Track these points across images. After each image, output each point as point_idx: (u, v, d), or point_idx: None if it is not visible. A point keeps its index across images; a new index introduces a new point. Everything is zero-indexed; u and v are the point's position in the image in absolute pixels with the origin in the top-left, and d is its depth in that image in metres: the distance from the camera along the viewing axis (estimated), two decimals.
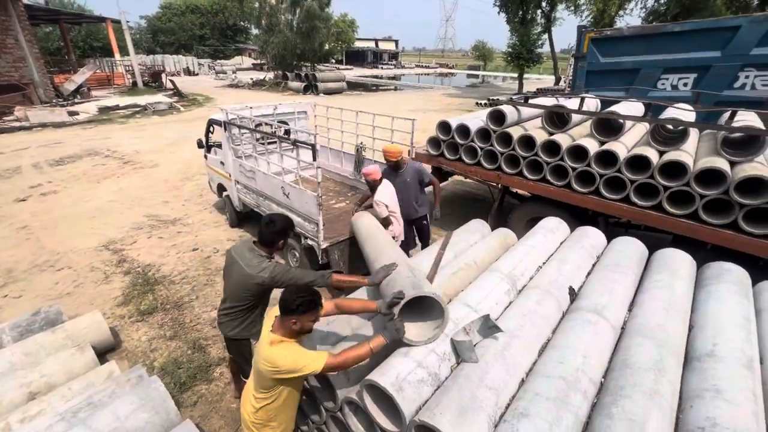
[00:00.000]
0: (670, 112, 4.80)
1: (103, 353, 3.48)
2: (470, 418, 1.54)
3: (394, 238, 4.18)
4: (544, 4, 22.63)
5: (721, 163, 3.48)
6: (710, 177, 3.50)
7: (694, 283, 2.63)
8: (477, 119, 5.25)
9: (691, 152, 4.02)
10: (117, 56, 25.46)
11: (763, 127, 3.93)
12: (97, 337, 3.39)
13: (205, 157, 6.23)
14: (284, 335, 1.82)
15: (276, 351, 1.77)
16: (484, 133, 5.03)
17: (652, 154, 3.90)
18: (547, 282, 2.44)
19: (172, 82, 21.96)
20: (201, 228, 6.15)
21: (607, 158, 4.10)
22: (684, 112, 4.62)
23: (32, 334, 3.25)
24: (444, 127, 5.40)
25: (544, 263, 2.80)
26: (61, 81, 19.10)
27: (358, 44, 53.56)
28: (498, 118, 4.88)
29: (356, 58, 56.35)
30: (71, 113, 14.99)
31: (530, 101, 5.40)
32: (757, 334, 2.10)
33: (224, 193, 6.04)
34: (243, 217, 6.02)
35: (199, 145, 6.10)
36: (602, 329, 2.05)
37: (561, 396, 1.62)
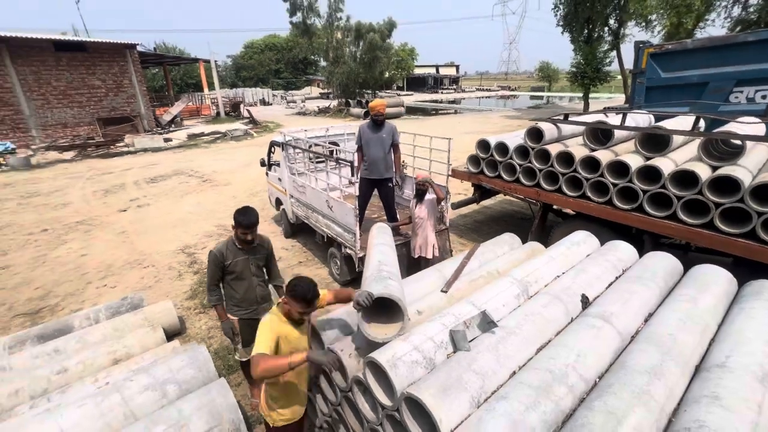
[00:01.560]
0: (731, 127, 4.47)
1: (171, 336, 4.09)
2: (452, 395, 1.70)
3: (421, 247, 4.33)
4: (611, 21, 21.72)
5: None
6: None
7: (731, 300, 2.48)
8: (516, 137, 5.33)
9: (750, 168, 3.73)
10: (206, 91, 29.24)
11: None
12: (167, 320, 4.02)
13: (267, 174, 7.00)
14: (280, 309, 2.07)
15: (263, 320, 2.03)
16: (522, 151, 5.09)
17: (701, 170, 3.69)
18: (559, 289, 2.48)
19: (248, 111, 24.59)
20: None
21: (654, 174, 3.94)
22: (747, 126, 4.29)
23: (120, 315, 3.96)
24: (483, 145, 5.55)
25: (563, 273, 2.82)
26: (160, 113, 22.40)
27: (419, 70, 55.24)
28: (536, 135, 4.92)
29: (417, 83, 58.03)
30: (166, 140, 17.49)
31: (573, 118, 5.35)
32: None
33: (281, 207, 6.71)
34: (296, 229, 6.62)
35: (262, 163, 6.90)
36: (606, 334, 2.07)
37: (543, 386, 1.71)
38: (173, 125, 21.58)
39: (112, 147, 16.38)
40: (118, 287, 5.32)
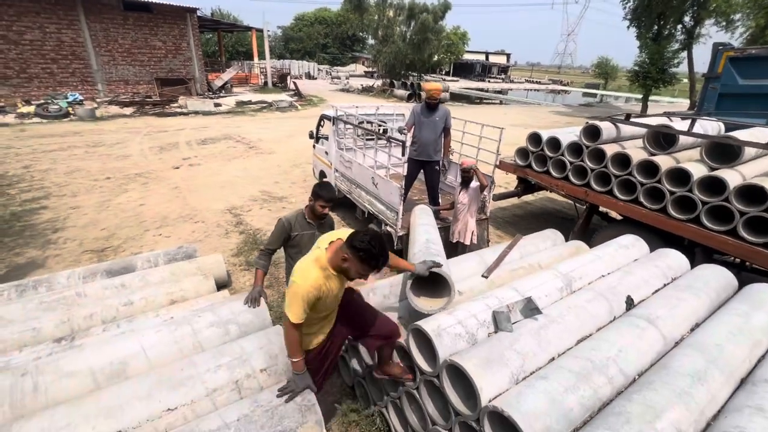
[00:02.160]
0: None
1: (219, 287, 4.42)
2: (494, 368, 1.80)
3: (460, 233, 4.39)
4: (687, 18, 20.00)
5: None
6: None
7: None
8: (570, 133, 5.19)
9: None
10: (255, 60, 29.85)
11: None
12: (217, 272, 4.33)
13: (314, 146, 7.21)
14: (330, 262, 1.80)
15: (308, 269, 1.78)
16: (575, 148, 4.96)
17: None
18: (605, 287, 2.50)
19: (294, 84, 24.98)
20: (300, 206, 7.12)
21: (717, 186, 3.76)
22: None
23: (176, 261, 4.31)
24: (534, 138, 5.44)
25: (609, 273, 2.81)
26: (212, 78, 23.18)
27: (468, 56, 53.57)
28: (593, 133, 4.77)
29: (464, 69, 56.37)
30: (216, 104, 18.16)
31: (635, 120, 5.13)
32: None
33: (324, 179, 6.92)
34: (337, 203, 6.81)
35: (310, 136, 7.10)
36: (649, 335, 2.08)
37: (584, 372, 1.77)
38: (223, 91, 22.31)
39: (167, 107, 17.22)
40: (172, 237, 5.75)
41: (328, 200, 2.79)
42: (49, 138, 11.21)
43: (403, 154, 4.14)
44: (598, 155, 4.68)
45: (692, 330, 2.27)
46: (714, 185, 3.78)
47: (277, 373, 2.07)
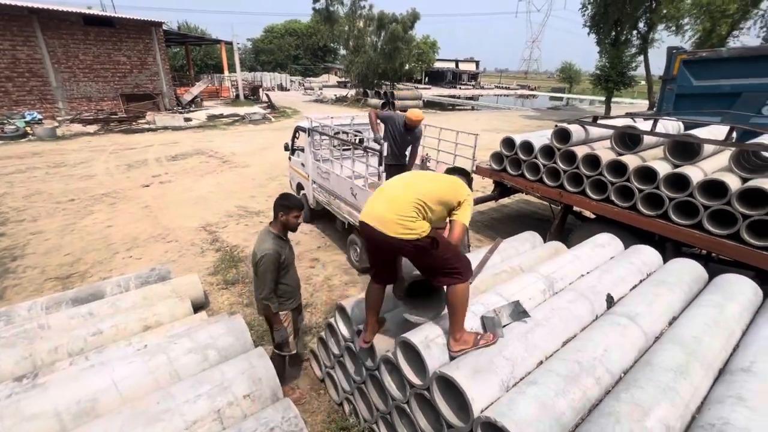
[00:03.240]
0: (764, 139, 4.42)
1: (195, 309, 4.24)
2: (484, 377, 1.78)
3: None
4: (641, 24, 21.19)
5: None
6: None
7: (756, 310, 2.51)
8: (542, 137, 5.33)
9: None
10: (226, 73, 29.41)
11: None
12: (193, 293, 4.16)
13: (289, 159, 7.10)
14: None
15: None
16: (547, 151, 5.09)
17: (732, 181, 3.67)
18: (585, 287, 2.54)
19: (267, 96, 24.73)
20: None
21: (681, 183, 3.94)
22: None
23: (149, 284, 4.12)
24: (508, 143, 5.56)
25: (588, 273, 2.87)
26: (181, 92, 22.63)
27: (439, 64, 54.68)
28: (563, 136, 4.92)
29: (436, 77, 57.49)
30: (186, 119, 17.71)
31: (602, 122, 5.33)
32: None
33: (302, 192, 6.82)
34: (316, 215, 6.73)
35: (286, 148, 7.00)
36: (631, 333, 2.12)
37: (572, 375, 1.78)
38: (193, 105, 21.81)
39: (134, 123, 16.65)
40: (143, 259, 5.49)
41: (300, 208, 2.76)
42: (6, 160, 10.59)
43: (380, 164, 4.13)
44: (570, 157, 4.82)
45: (670, 324, 2.34)
46: (679, 182, 3.95)
47: (262, 399, 1.98)
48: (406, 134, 4.93)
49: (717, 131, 4.57)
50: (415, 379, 2.03)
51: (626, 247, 3.49)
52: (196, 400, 1.85)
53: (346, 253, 5.57)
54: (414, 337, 2.00)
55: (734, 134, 4.50)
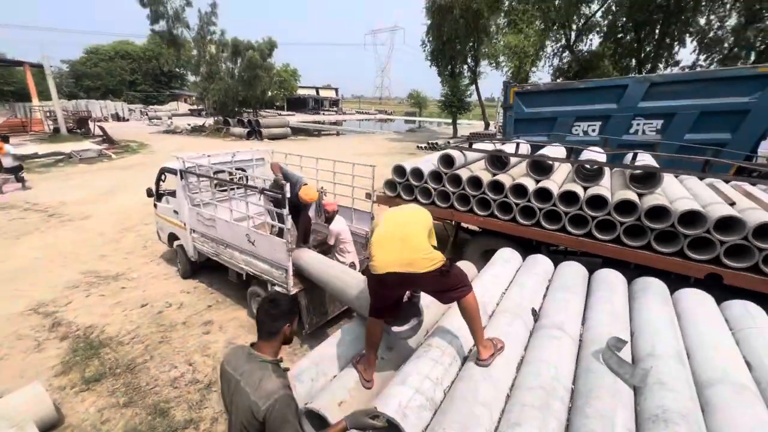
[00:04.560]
0: (586, 154, 5.68)
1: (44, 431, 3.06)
2: None
3: (351, 264, 4.42)
4: (469, 60, 25.59)
5: (632, 195, 4.20)
6: (625, 207, 4.19)
7: (628, 296, 3.10)
8: (428, 162, 5.74)
9: (608, 187, 4.78)
10: (35, 101, 23.51)
11: (657, 165, 4.85)
12: (39, 413, 3.00)
13: (155, 206, 5.96)
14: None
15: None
16: (436, 175, 5.50)
17: (578, 190, 4.57)
18: (513, 305, 2.73)
19: (101, 128, 20.68)
20: (149, 282, 5.74)
21: (543, 194, 4.71)
22: (597, 154, 5.51)
23: None
24: (399, 170, 5.81)
25: (506, 289, 3.12)
26: None
27: (300, 92, 55.03)
28: (448, 161, 5.39)
29: (298, 104, 57.59)
30: None
31: (472, 146, 6.06)
32: (681, 333, 2.54)
33: (176, 243, 5.77)
34: (197, 268, 5.76)
35: (149, 194, 5.85)
36: (565, 343, 2.35)
37: (543, 404, 1.84)
38: None
39: None
40: None
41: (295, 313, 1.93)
42: None
43: (284, 206, 3.77)
44: (456, 180, 5.30)
45: (582, 324, 2.69)
46: (542, 194, 4.73)
47: None
48: (301, 210, 4.74)
49: (558, 150, 5.66)
50: None
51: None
52: None
53: (248, 308, 4.90)
54: (387, 408, 1.78)
55: (563, 151, 5.67)
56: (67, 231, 7.79)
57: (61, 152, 15.72)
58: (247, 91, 26.67)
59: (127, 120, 34.57)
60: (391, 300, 2.28)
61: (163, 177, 5.74)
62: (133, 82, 48.96)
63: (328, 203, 4.81)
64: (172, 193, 5.53)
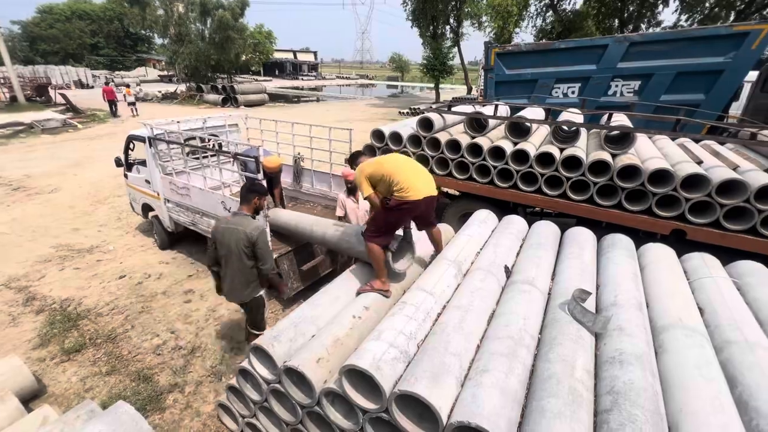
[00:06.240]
0: (564, 116, 5.69)
1: (25, 402, 3.07)
2: (441, 380, 1.78)
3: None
4: (452, 20, 24.68)
5: (606, 156, 4.27)
6: (599, 167, 4.27)
7: (597, 252, 3.23)
8: (407, 126, 5.65)
9: (583, 148, 4.84)
10: None
11: (632, 126, 4.90)
12: (17, 382, 3.00)
13: (125, 176, 5.74)
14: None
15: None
16: (415, 139, 5.44)
17: (554, 151, 4.61)
18: (487, 263, 2.81)
19: (63, 96, 19.40)
20: (125, 254, 5.63)
21: (521, 156, 4.74)
22: (575, 116, 5.52)
23: None
24: (378, 135, 5.71)
25: (481, 248, 3.19)
26: None
27: (276, 55, 52.49)
28: (426, 125, 5.32)
29: (275, 69, 55.14)
30: None
31: (451, 109, 5.97)
32: (642, 284, 2.68)
33: (151, 214, 5.63)
34: (175, 239, 5.67)
35: (118, 163, 5.61)
36: (535, 296, 2.45)
37: (510, 351, 1.94)
38: None
39: None
40: None
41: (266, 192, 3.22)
42: None
43: (259, 171, 3.69)
44: (435, 143, 5.26)
45: (552, 279, 2.80)
46: (520, 156, 4.76)
47: None
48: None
49: (537, 112, 5.64)
50: (369, 405, 1.90)
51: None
52: None
53: None
54: (361, 361, 1.85)
55: (550, 115, 5.66)
56: (34, 205, 7.47)
57: (20, 122, 14.76)
58: (220, 54, 25.29)
59: (92, 87, 32.51)
60: (403, 224, 2.80)
61: (131, 146, 5.49)
62: (95, 46, 45.53)
63: (348, 173, 4.03)
64: (143, 163, 5.31)
